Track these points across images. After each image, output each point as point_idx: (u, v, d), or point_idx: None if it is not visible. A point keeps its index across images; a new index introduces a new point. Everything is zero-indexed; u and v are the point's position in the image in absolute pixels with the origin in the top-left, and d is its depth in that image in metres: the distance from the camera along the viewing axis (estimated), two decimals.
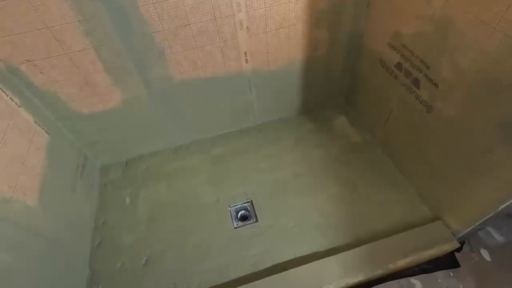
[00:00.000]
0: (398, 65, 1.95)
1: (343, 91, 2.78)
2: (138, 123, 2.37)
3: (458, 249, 1.95)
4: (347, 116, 2.76)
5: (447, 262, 1.95)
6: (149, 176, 2.50)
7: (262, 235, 2.09)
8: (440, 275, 1.92)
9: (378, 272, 1.80)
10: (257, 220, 2.17)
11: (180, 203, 2.31)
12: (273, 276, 1.81)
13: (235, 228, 2.15)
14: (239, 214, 2.25)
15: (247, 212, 2.25)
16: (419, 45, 1.73)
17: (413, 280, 1.91)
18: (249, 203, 2.28)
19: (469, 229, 1.78)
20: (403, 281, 1.90)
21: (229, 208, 2.26)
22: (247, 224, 2.16)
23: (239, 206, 2.28)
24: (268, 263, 1.95)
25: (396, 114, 2.15)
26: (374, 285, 1.87)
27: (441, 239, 1.89)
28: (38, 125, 1.91)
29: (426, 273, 1.92)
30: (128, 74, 1.99)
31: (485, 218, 1.64)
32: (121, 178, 2.51)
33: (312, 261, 1.85)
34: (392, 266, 1.81)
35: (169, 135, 2.59)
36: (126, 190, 2.43)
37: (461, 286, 1.86)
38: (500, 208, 1.53)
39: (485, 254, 1.99)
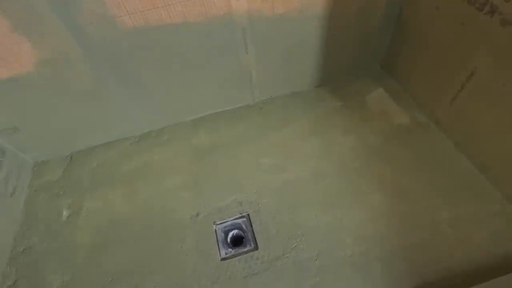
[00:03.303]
0: None
1: (380, 52, 1.94)
2: (76, 101, 1.58)
3: None
4: (386, 87, 1.92)
5: None
6: (100, 177, 1.73)
7: (264, 273, 1.31)
8: None
9: None
10: (256, 248, 1.39)
11: (142, 220, 1.53)
12: None
13: (222, 259, 1.38)
14: (229, 236, 1.48)
15: (242, 233, 1.47)
16: None
17: None
18: (244, 219, 1.50)
19: None
20: None
21: (214, 227, 1.48)
22: (241, 253, 1.38)
23: (229, 223, 1.50)
24: None
25: (480, 81, 1.32)
26: None
27: None
28: None
29: None
30: (39, 15, 1.19)
31: None
32: (61, 180, 1.74)
33: None
34: None
35: (130, 118, 1.79)
36: (64, 199, 1.65)
37: None
38: None
39: None
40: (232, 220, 1.50)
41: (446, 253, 1.28)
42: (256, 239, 1.42)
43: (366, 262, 1.29)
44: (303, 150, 1.71)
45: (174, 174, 1.69)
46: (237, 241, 1.46)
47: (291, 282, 1.27)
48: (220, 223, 1.50)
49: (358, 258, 1.30)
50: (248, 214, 1.50)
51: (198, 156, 1.75)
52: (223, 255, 1.39)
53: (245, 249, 1.40)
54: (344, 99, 1.93)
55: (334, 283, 1.25)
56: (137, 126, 1.87)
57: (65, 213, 1.60)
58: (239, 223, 1.49)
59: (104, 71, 1.48)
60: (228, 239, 1.47)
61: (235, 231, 1.49)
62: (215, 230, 1.47)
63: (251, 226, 1.47)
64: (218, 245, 1.43)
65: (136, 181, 1.68)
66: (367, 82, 1.99)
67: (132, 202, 1.60)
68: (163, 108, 1.82)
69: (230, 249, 1.41)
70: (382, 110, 1.82)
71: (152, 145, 1.84)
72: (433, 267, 1.25)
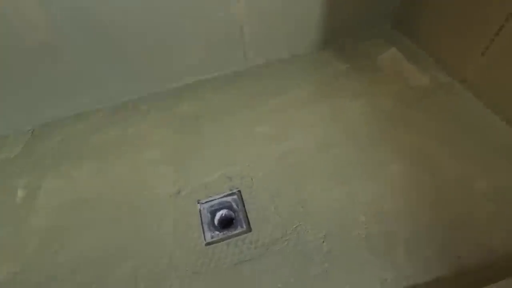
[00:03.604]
0: None
1: (392, 5, 1.68)
2: (33, 59, 1.31)
3: None
4: (400, 47, 1.66)
5: None
6: (65, 152, 1.47)
7: (259, 260, 1.05)
8: None
9: None
10: (249, 229, 1.13)
11: (112, 199, 1.27)
12: None
13: (207, 244, 1.11)
14: (216, 216, 1.22)
15: (232, 213, 1.21)
16: None
17: None
18: (235, 196, 1.24)
19: None
20: None
21: (198, 206, 1.22)
22: (230, 237, 1.12)
23: (217, 201, 1.24)
24: None
25: None
26: None
27: None
28: None
29: None
30: None
31: None
32: (19, 157, 1.48)
33: None
34: None
35: (103, 84, 1.53)
36: (21, 178, 1.39)
37: None
38: None
39: None
40: (220, 198, 1.24)
41: (485, 232, 1.02)
42: (249, 219, 1.16)
43: (385, 244, 1.03)
44: (305, 117, 1.45)
45: (153, 147, 1.43)
46: (227, 223, 1.20)
47: (293, 269, 1.01)
48: (206, 202, 1.23)
49: (376, 239, 1.04)
50: (239, 191, 1.24)
51: (181, 127, 1.49)
52: (208, 239, 1.13)
53: (236, 232, 1.14)
54: (351, 61, 1.66)
55: (346, 270, 0.99)
56: (112, 95, 1.61)
57: (20, 193, 1.33)
58: (229, 202, 1.23)
59: (62, 20, 1.22)
60: (215, 221, 1.20)
61: (223, 211, 1.23)
62: (200, 210, 1.21)
63: (243, 204, 1.20)
64: (202, 227, 1.16)
65: (107, 156, 1.42)
66: (377, 43, 1.72)
67: (101, 179, 1.34)
68: (141, 73, 1.56)
69: (217, 232, 1.15)
70: (396, 71, 1.56)
71: (128, 116, 1.57)
72: (470, 248, 0.99)
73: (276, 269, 1.02)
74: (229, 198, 1.24)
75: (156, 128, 1.50)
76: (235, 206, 1.21)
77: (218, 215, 1.22)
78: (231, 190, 1.25)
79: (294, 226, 1.11)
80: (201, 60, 1.60)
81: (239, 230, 1.14)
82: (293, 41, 1.67)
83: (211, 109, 1.54)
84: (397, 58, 1.61)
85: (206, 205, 1.23)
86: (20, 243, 1.18)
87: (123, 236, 1.17)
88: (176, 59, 1.55)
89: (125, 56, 1.46)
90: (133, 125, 1.53)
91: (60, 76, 1.43)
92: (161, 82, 1.64)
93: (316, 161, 1.28)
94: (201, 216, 1.20)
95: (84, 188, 1.32)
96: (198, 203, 1.23)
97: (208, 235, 1.14)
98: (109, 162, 1.39)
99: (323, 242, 1.06)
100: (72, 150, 1.46)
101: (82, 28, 1.28)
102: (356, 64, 1.64)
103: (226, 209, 1.22)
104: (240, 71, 1.70)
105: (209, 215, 1.21)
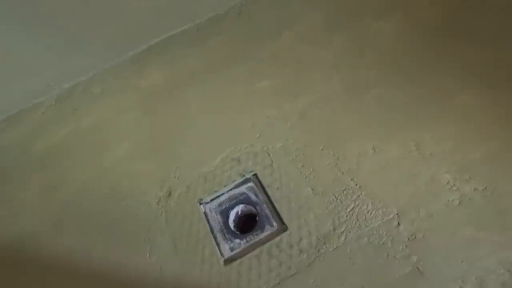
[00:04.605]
0: None
1: None
2: None
3: None
4: None
5: None
6: (1, 171, 1.05)
7: (310, 271, 0.69)
8: None
9: None
10: (283, 227, 0.77)
11: (80, 221, 0.89)
12: None
13: (227, 261, 0.75)
14: (231, 217, 0.85)
15: (252, 208, 0.84)
16: None
17: None
18: (251, 184, 0.86)
19: None
20: None
21: (202, 208, 0.84)
22: (258, 244, 0.76)
23: (226, 196, 0.86)
24: None
25: None
26: None
27: None
28: None
29: None
30: None
31: None
32: None
33: None
34: None
35: (34, 67, 1.09)
36: None
37: None
38: None
39: None
40: (230, 189, 0.86)
41: None
42: (279, 212, 0.79)
43: (494, 208, 0.68)
44: (321, 56, 1.06)
45: (121, 139, 1.04)
46: (247, 223, 0.84)
47: (365, 274, 0.66)
48: (211, 200, 0.86)
49: (477, 203, 0.69)
50: (254, 174, 0.87)
51: (153, 104, 1.09)
52: (227, 253, 0.77)
53: (264, 234, 0.77)
54: None
55: (446, 260, 0.64)
56: (51, 81, 1.17)
57: None
58: (243, 193, 0.86)
59: None
60: (231, 223, 0.84)
61: (239, 208, 0.86)
62: (205, 213, 0.84)
63: (265, 192, 0.83)
64: (215, 237, 0.79)
65: (61, 164, 1.02)
66: None
67: (58, 197, 0.94)
68: (84, 43, 1.12)
69: (237, 240, 0.78)
70: None
71: (79, 104, 1.16)
72: None
73: (338, 279, 0.67)
74: (242, 188, 0.86)
75: (120, 112, 1.10)
76: (254, 198, 0.84)
77: (233, 215, 0.85)
78: (242, 175, 0.87)
79: (349, 209, 0.75)
80: (161, 9, 1.14)
81: (268, 230, 0.78)
82: None
83: (189, 72, 1.13)
84: None
85: (213, 204, 0.85)
86: None
87: (104, 273, 0.79)
88: (127, 14, 1.10)
89: (54, 22, 1.01)
90: (88, 115, 1.11)
91: None
92: (113, 51, 1.20)
93: (351, 111, 0.90)
94: (209, 222, 0.82)
95: (36, 214, 0.92)
96: (200, 203, 0.85)
97: (225, 247, 0.78)
98: (65, 171, 1.00)
99: (398, 224, 0.70)
100: (10, 166, 1.05)
101: None
102: None
103: (242, 203, 0.85)
104: (219, 15, 1.25)
105: (220, 217, 0.83)
